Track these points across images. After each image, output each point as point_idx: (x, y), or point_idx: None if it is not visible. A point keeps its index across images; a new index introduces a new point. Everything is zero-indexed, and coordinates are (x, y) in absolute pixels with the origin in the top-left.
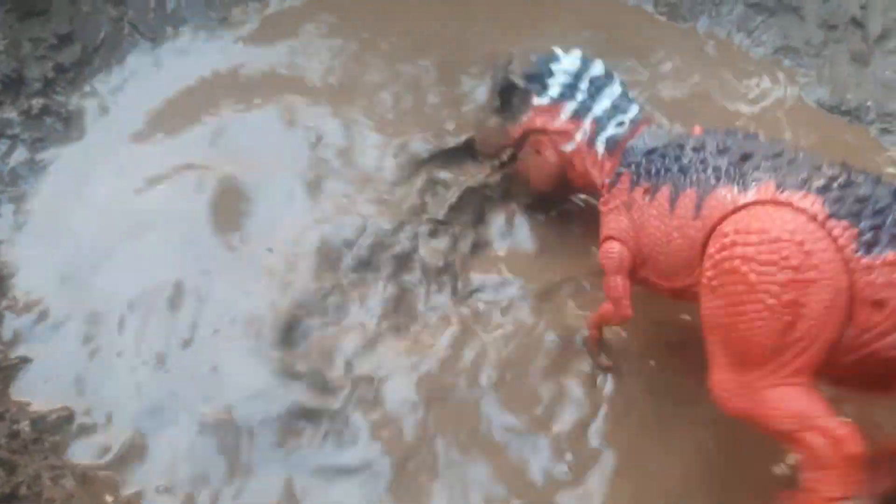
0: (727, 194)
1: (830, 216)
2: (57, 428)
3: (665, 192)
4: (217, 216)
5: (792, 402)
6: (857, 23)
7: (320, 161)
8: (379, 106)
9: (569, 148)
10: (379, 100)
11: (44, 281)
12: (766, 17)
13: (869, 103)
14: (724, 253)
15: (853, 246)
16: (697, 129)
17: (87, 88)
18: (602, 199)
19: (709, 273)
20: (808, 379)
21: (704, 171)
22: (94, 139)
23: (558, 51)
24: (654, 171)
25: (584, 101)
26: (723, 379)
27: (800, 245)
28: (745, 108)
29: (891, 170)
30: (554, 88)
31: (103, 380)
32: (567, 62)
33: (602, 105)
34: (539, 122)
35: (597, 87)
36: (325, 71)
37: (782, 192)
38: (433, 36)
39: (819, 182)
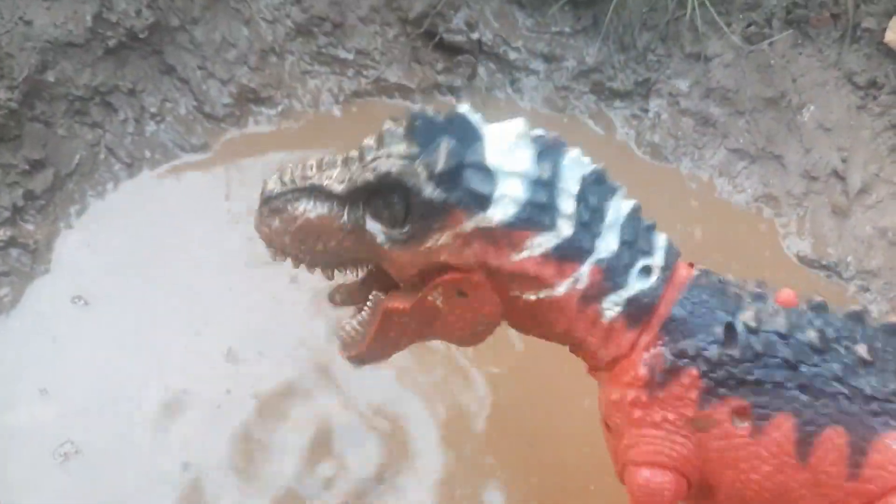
0: None
1: None
2: None
3: (785, 425)
4: None
5: None
6: (838, 175)
7: None
8: None
9: (536, 297)
10: None
11: None
12: (747, 163)
13: (849, 259)
14: None
15: None
16: (788, 295)
17: (57, 218)
18: (632, 399)
19: None
20: None
21: (851, 398)
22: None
23: (471, 117)
24: (752, 380)
25: (576, 233)
26: None
27: None
28: (724, 258)
29: None
30: (505, 206)
31: None
32: (513, 153)
33: (608, 240)
34: (473, 254)
35: (592, 207)
36: None
37: None
38: None
39: None
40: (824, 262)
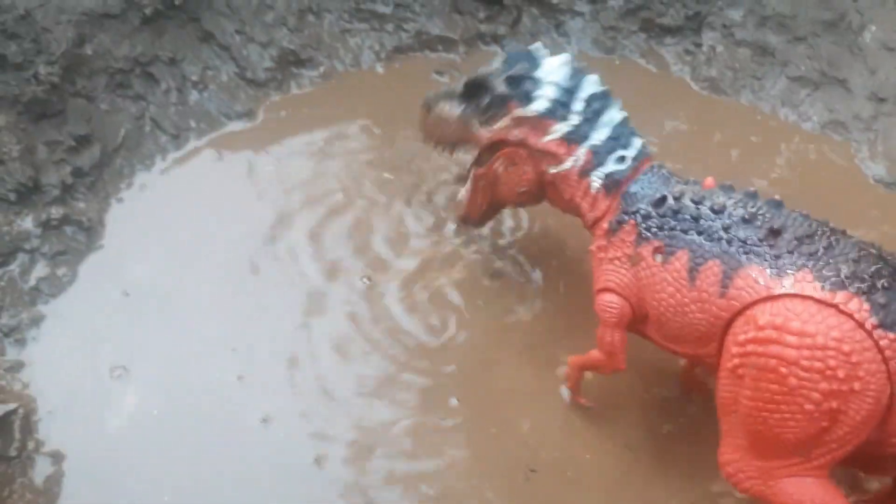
0: (759, 277)
1: (878, 326)
2: None
3: (682, 258)
4: None
5: (810, 494)
6: None
7: None
8: None
9: (554, 171)
10: None
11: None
12: (810, 90)
13: None
14: (759, 348)
15: None
16: (710, 181)
17: (108, 193)
18: (598, 245)
19: (736, 360)
20: (827, 471)
21: (729, 241)
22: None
23: (539, 51)
24: (667, 228)
25: (580, 125)
26: (737, 459)
27: (847, 356)
28: (797, 183)
29: None
30: (541, 102)
31: None
32: (555, 71)
33: (601, 133)
34: (520, 134)
35: (595, 111)
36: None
37: (823, 287)
38: None
39: (862, 282)
40: None
